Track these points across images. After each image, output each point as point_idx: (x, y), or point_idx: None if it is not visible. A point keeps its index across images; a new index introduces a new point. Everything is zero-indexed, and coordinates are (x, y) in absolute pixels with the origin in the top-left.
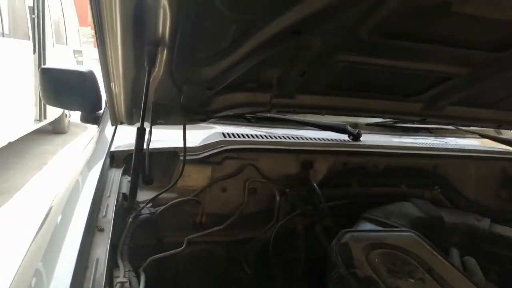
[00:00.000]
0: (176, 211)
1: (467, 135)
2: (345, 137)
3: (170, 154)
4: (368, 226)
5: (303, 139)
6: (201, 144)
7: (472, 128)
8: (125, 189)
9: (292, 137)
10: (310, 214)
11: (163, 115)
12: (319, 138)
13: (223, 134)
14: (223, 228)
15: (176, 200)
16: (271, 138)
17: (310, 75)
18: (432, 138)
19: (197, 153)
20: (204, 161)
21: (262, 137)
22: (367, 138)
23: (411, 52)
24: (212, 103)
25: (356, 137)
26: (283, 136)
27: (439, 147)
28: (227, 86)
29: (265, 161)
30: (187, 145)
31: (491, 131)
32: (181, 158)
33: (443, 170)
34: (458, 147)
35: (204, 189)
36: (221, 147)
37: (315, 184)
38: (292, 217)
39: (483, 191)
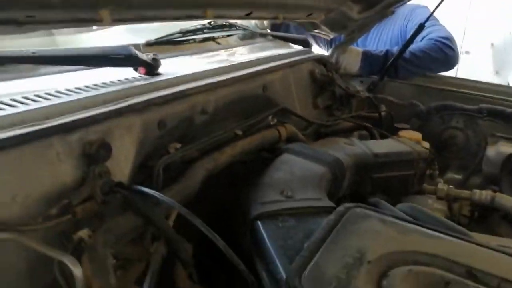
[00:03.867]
0: None
1: (251, 41)
2: (129, 72)
3: None
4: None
5: (55, 95)
6: None
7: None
8: None
9: (29, 98)
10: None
11: None
12: (87, 87)
13: None
14: None
15: None
16: None
17: None
18: (223, 50)
19: None
20: None
21: None
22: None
23: None
24: None
25: (153, 67)
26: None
27: (255, 59)
28: None
29: None
30: None
31: None
32: None
33: (270, 90)
34: (271, 55)
35: None
36: None
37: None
38: None
39: (303, 103)
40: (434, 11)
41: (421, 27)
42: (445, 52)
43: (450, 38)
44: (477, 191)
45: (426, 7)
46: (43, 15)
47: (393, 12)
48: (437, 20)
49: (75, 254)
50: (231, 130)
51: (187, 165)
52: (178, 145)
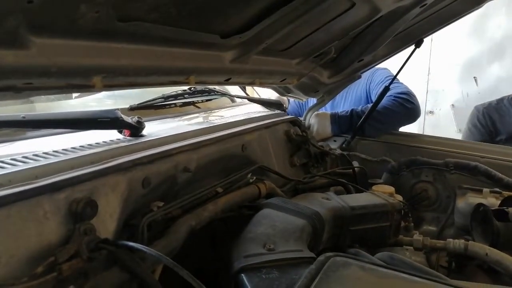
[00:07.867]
0: None
1: (229, 105)
2: (114, 134)
3: None
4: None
5: (43, 157)
6: None
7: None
8: None
9: (18, 160)
10: None
11: None
12: (74, 149)
13: None
14: None
15: None
16: None
17: None
18: (203, 113)
19: None
20: None
21: None
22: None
23: None
24: None
25: (137, 129)
26: None
27: (233, 121)
28: None
29: None
30: None
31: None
32: None
33: (249, 150)
34: (248, 117)
35: None
36: None
37: None
38: None
39: (281, 161)
40: (397, 74)
41: (386, 90)
42: (405, 106)
43: (408, 93)
44: (451, 240)
45: (386, 68)
46: (40, 82)
47: (360, 76)
48: (397, 79)
49: None
50: (212, 188)
51: (169, 222)
52: (161, 204)
